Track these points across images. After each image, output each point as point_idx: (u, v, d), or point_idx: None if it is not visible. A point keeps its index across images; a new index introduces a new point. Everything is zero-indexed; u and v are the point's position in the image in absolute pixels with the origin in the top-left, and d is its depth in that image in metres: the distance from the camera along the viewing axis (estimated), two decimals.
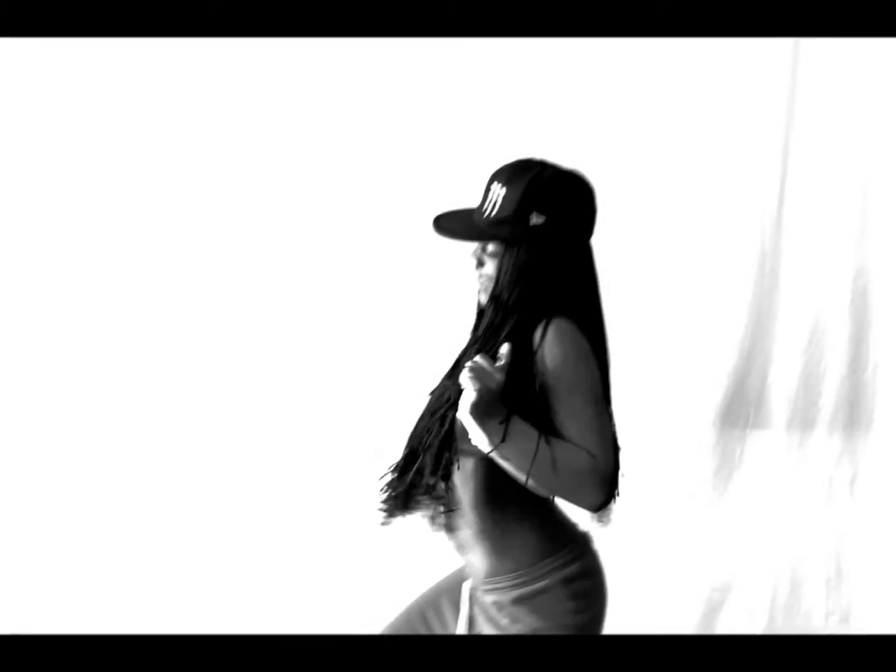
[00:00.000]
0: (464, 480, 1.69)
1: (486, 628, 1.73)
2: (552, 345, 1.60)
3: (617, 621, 2.74)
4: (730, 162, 2.71)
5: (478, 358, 1.56)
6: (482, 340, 1.69)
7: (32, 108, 2.83)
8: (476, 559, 1.73)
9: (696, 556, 2.81)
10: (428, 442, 1.68)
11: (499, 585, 1.71)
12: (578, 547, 1.77)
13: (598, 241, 2.70)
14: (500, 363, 1.57)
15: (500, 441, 1.54)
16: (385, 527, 1.75)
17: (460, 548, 1.77)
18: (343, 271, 2.82)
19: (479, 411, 1.54)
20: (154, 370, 2.88)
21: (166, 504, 2.89)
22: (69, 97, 2.82)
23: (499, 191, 1.69)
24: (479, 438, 1.57)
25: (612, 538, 2.75)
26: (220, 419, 2.88)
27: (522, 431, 1.56)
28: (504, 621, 1.70)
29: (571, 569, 1.72)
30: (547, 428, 1.60)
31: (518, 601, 1.69)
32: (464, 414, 1.55)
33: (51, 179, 2.86)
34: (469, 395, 1.53)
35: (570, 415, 1.59)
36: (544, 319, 1.63)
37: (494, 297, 1.69)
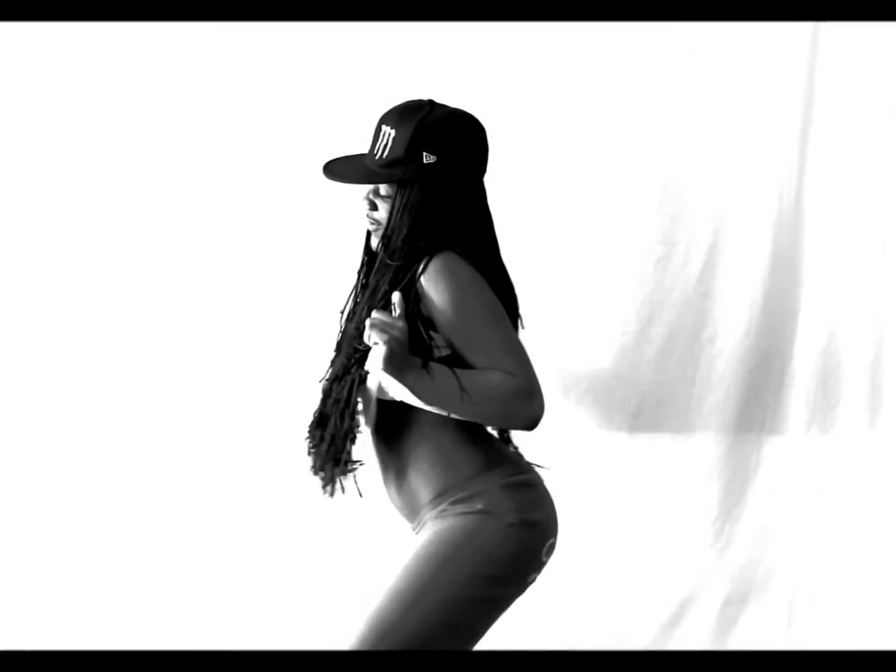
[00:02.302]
0: (397, 410, 1.71)
1: (427, 530, 1.73)
2: (436, 279, 1.62)
3: (626, 632, 2.72)
4: (745, 150, 2.61)
5: (374, 313, 1.56)
6: (374, 282, 1.72)
7: (17, 95, 2.76)
8: (418, 484, 1.74)
9: (709, 568, 2.72)
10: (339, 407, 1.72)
11: (443, 499, 1.72)
12: (518, 465, 1.80)
13: (608, 240, 2.65)
14: (397, 312, 1.57)
15: (424, 391, 1.57)
16: (329, 497, 1.78)
17: (395, 488, 1.79)
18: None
19: (394, 364, 1.54)
20: (130, 372, 2.81)
21: (146, 510, 2.82)
22: (60, 84, 2.75)
23: (389, 132, 1.71)
24: (400, 392, 1.59)
25: (618, 546, 2.73)
26: (213, 420, 2.80)
27: (440, 374, 1.58)
28: (443, 522, 1.71)
29: (514, 478, 1.74)
30: (452, 361, 1.62)
31: (456, 501, 1.70)
32: (378, 371, 1.56)
33: (39, 173, 2.78)
34: (380, 350, 1.53)
35: (476, 341, 1.61)
36: (427, 256, 1.64)
37: (386, 237, 1.71)
